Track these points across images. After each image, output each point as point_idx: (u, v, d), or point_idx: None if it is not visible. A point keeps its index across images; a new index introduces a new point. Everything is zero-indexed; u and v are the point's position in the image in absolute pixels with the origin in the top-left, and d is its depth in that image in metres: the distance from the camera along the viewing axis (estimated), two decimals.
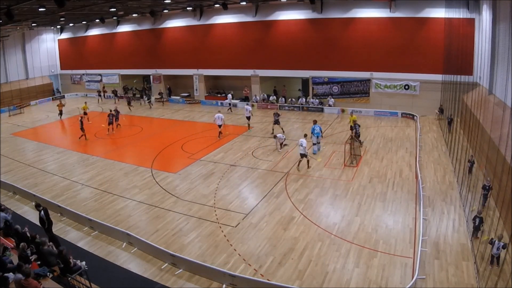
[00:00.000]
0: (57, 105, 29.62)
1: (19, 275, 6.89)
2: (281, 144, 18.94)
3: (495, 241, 8.78)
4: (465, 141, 15.51)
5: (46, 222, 10.63)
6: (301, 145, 15.94)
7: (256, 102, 30.47)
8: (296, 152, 18.35)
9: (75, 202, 13.98)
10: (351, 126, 19.79)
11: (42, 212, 10.62)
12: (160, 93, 33.97)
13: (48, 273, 7.89)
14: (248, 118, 23.22)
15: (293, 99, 29.83)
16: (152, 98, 34.25)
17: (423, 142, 19.36)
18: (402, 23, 24.52)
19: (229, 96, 30.31)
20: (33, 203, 13.89)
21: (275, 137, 18.91)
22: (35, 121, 29.31)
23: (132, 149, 21.00)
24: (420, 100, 24.82)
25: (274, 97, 30.68)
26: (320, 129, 18.52)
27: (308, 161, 16.37)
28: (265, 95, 31.02)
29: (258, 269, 9.59)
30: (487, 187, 11.38)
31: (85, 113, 26.51)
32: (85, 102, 28.58)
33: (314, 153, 18.12)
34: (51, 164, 18.75)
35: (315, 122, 18.54)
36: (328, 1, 26.83)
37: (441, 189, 13.67)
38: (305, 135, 16.87)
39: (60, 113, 29.16)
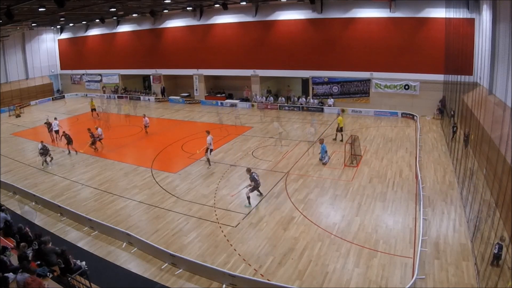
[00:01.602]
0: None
1: (19, 276, 6.89)
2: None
3: (497, 242, 8.76)
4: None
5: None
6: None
7: (256, 102, 30.45)
8: (296, 152, 18.45)
9: (75, 202, 13.97)
10: (341, 127, 19.82)
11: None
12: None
13: (48, 273, 7.88)
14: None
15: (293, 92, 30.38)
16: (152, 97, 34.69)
17: (423, 142, 19.36)
18: (402, 23, 24.50)
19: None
20: (33, 203, 14.03)
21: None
22: (35, 121, 29.27)
23: (132, 149, 20.99)
24: (420, 100, 24.81)
25: (271, 97, 30.68)
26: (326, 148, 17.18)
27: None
28: (266, 90, 31.04)
29: (258, 269, 9.59)
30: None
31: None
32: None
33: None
34: (51, 164, 18.73)
35: (321, 141, 17.13)
36: (328, 1, 26.83)
37: (441, 189, 13.66)
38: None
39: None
